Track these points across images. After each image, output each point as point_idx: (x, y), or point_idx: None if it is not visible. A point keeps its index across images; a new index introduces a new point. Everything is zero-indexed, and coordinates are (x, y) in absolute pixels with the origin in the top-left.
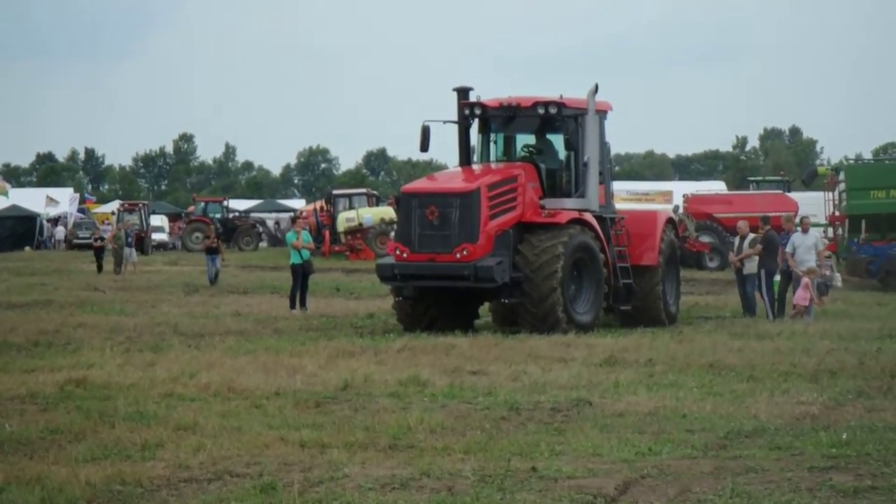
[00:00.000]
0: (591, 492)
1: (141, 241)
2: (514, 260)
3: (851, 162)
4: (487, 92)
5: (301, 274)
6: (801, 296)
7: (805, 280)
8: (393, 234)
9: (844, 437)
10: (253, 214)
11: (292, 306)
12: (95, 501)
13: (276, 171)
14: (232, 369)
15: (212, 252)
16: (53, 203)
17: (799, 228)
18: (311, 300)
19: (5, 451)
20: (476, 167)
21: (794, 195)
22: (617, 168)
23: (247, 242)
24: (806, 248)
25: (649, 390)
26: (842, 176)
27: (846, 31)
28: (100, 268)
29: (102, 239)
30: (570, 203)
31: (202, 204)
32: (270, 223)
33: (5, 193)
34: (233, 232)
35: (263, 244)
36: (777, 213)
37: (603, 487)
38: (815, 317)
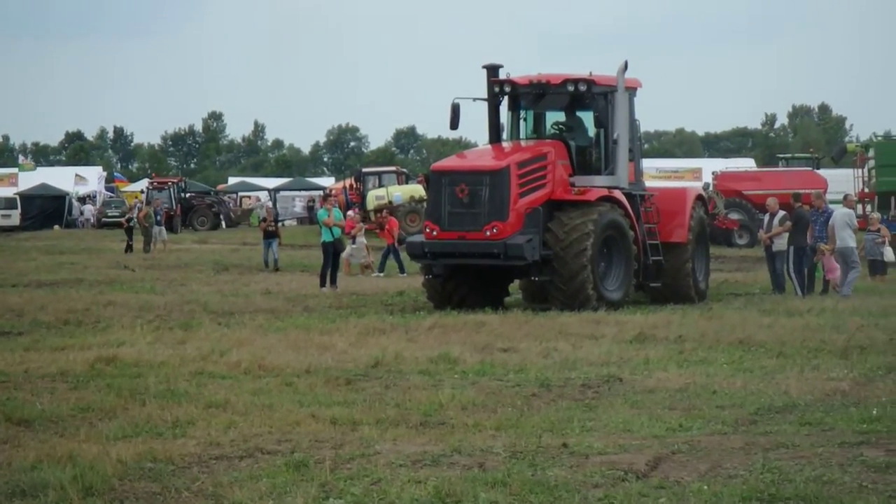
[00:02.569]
0: (623, 467)
1: (170, 220)
2: (543, 237)
3: (881, 139)
4: (517, 69)
5: (332, 252)
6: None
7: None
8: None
9: (875, 412)
10: (209, 196)
11: (322, 284)
12: (127, 478)
13: (306, 149)
14: (262, 347)
15: (269, 236)
16: (82, 181)
17: (834, 206)
18: (341, 278)
19: (37, 429)
20: (506, 145)
21: (823, 172)
22: (646, 145)
23: (202, 223)
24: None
25: (679, 367)
26: (871, 153)
27: (875, 8)
28: (129, 248)
29: (131, 219)
30: (599, 180)
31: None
32: (300, 204)
33: (33, 168)
34: (189, 211)
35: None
36: (806, 191)
37: (634, 463)
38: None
